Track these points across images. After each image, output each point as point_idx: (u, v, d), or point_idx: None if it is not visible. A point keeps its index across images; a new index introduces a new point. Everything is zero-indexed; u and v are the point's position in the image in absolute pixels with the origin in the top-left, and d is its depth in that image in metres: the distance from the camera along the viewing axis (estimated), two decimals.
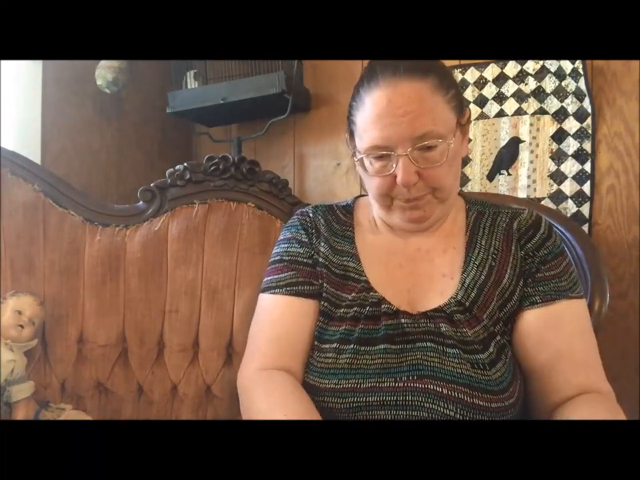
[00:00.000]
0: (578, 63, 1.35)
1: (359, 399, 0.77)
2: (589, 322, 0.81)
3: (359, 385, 0.77)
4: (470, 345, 0.77)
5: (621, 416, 0.72)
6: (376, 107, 0.77)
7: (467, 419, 0.72)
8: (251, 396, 0.82)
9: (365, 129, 0.79)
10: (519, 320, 0.80)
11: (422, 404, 0.74)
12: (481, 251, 0.84)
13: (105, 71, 1.52)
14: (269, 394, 0.79)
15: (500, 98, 1.47)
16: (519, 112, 1.44)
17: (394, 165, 0.76)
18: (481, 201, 0.92)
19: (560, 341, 0.78)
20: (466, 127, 0.85)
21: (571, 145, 1.38)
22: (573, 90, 1.37)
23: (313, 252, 0.90)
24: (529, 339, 0.79)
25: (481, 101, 1.49)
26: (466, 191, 1.50)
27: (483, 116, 1.49)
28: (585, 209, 1.36)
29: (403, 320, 0.81)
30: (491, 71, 1.48)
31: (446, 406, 0.73)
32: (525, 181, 1.43)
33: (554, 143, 1.40)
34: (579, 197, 1.37)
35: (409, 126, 0.74)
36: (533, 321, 0.79)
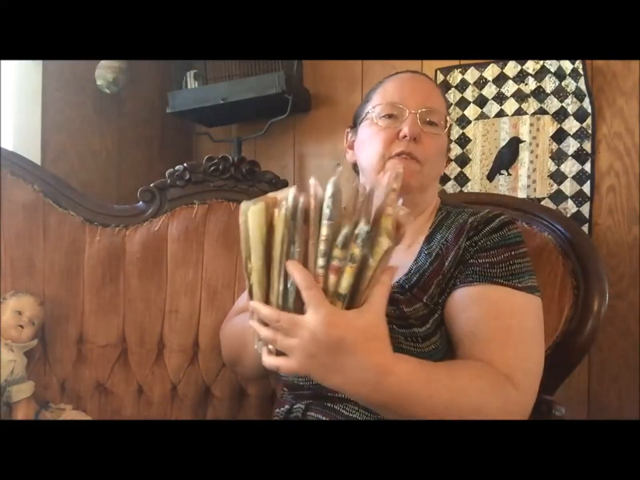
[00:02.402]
0: (578, 63, 1.35)
1: None
2: (518, 314, 0.77)
3: None
4: (406, 320, 0.79)
5: (511, 405, 0.69)
6: (397, 79, 0.91)
7: None
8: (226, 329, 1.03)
9: (384, 93, 0.90)
10: (447, 299, 0.82)
11: None
12: (434, 243, 0.87)
13: (104, 71, 1.52)
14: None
15: (500, 98, 1.47)
16: (519, 112, 1.44)
17: (401, 124, 0.86)
18: (455, 203, 0.96)
19: (463, 322, 0.77)
20: (447, 154, 0.96)
21: (570, 145, 1.38)
22: (573, 90, 1.37)
23: None
24: (447, 317, 0.81)
25: (481, 101, 1.49)
26: (466, 191, 1.50)
27: (482, 116, 1.49)
28: (585, 209, 1.36)
29: None
30: (491, 71, 1.48)
31: None
32: (525, 181, 1.43)
33: (554, 143, 1.40)
34: (579, 197, 1.37)
35: (423, 96, 0.88)
36: (452, 301, 0.81)
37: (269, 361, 0.63)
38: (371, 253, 0.58)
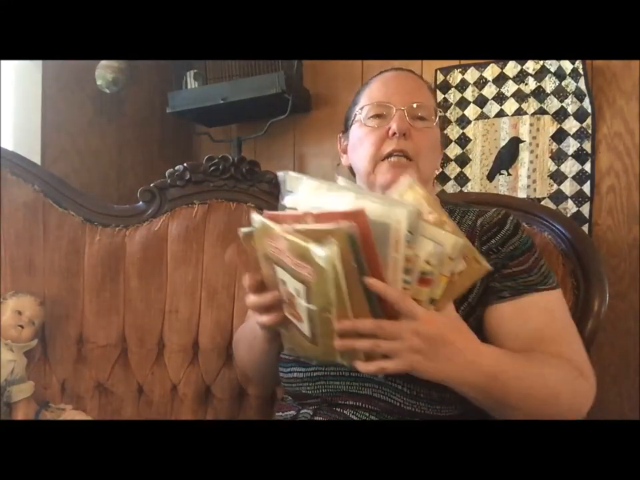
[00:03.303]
0: (578, 63, 1.35)
1: (319, 368, 0.82)
2: (562, 311, 0.84)
3: None
4: None
5: (583, 391, 0.76)
6: (382, 78, 0.91)
7: (418, 393, 0.76)
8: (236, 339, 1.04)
9: (370, 93, 0.90)
10: (490, 314, 0.82)
11: (376, 376, 0.77)
12: None
13: (104, 71, 1.52)
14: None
15: (500, 98, 1.46)
16: (519, 112, 1.44)
17: (390, 122, 0.86)
18: (454, 202, 0.96)
19: (529, 333, 0.80)
20: (442, 148, 0.96)
21: (570, 145, 1.38)
22: (573, 90, 1.37)
23: None
24: (500, 332, 0.81)
25: (481, 101, 1.49)
26: (466, 191, 1.50)
27: (482, 116, 1.49)
28: (585, 209, 1.36)
29: None
30: (491, 71, 1.48)
31: (393, 379, 0.77)
32: (525, 181, 1.43)
33: (554, 143, 1.40)
34: (579, 197, 1.37)
35: (408, 92, 0.88)
36: (502, 314, 0.81)
37: (370, 367, 0.64)
38: (464, 263, 0.65)
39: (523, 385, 0.71)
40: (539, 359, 0.75)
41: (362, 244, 0.59)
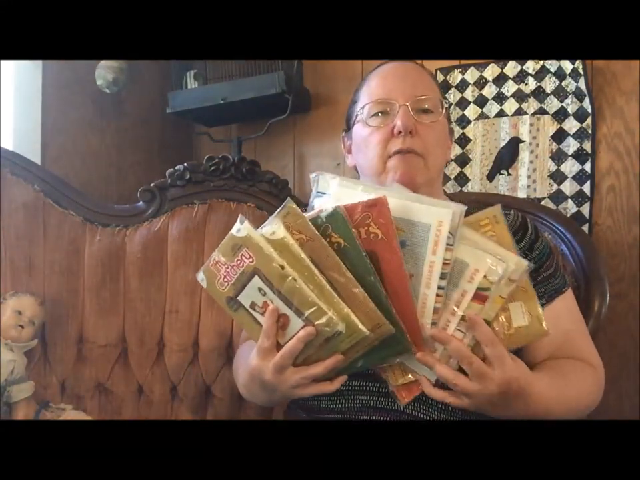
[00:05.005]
0: (578, 63, 1.35)
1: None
2: (577, 308, 0.87)
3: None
4: None
5: (598, 389, 0.81)
6: (381, 73, 0.87)
7: (454, 409, 0.74)
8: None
9: (369, 90, 0.86)
10: None
11: None
12: None
13: (104, 71, 1.52)
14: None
15: (500, 98, 1.46)
16: (519, 112, 1.44)
17: (393, 119, 0.82)
18: (466, 201, 0.93)
19: (561, 336, 0.81)
20: (451, 138, 0.93)
21: (570, 145, 1.38)
22: (573, 90, 1.37)
23: None
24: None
25: (481, 101, 1.49)
26: (466, 191, 1.50)
27: (482, 116, 1.49)
28: (585, 209, 1.36)
29: None
30: (491, 71, 1.48)
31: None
32: (525, 181, 1.43)
33: (554, 143, 1.40)
34: (579, 197, 1.37)
35: (410, 85, 0.84)
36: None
37: (438, 394, 0.65)
38: (527, 318, 0.66)
39: (560, 399, 0.74)
40: (566, 369, 0.78)
41: (383, 230, 0.59)
